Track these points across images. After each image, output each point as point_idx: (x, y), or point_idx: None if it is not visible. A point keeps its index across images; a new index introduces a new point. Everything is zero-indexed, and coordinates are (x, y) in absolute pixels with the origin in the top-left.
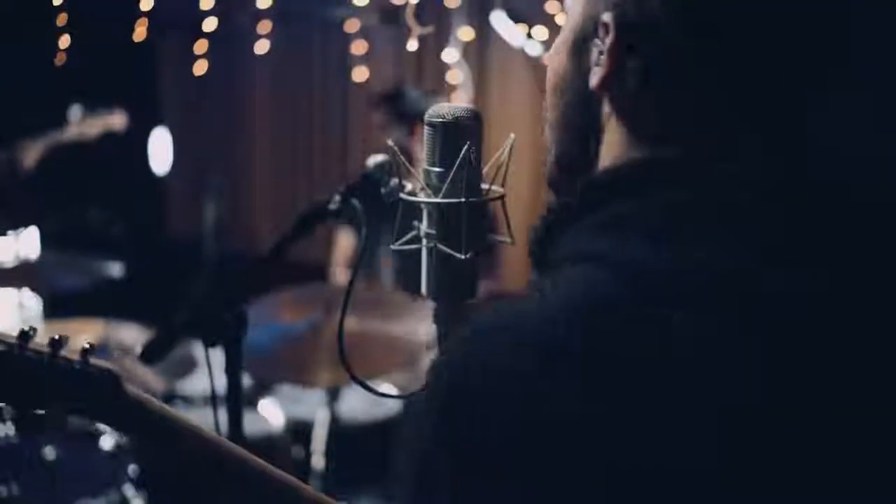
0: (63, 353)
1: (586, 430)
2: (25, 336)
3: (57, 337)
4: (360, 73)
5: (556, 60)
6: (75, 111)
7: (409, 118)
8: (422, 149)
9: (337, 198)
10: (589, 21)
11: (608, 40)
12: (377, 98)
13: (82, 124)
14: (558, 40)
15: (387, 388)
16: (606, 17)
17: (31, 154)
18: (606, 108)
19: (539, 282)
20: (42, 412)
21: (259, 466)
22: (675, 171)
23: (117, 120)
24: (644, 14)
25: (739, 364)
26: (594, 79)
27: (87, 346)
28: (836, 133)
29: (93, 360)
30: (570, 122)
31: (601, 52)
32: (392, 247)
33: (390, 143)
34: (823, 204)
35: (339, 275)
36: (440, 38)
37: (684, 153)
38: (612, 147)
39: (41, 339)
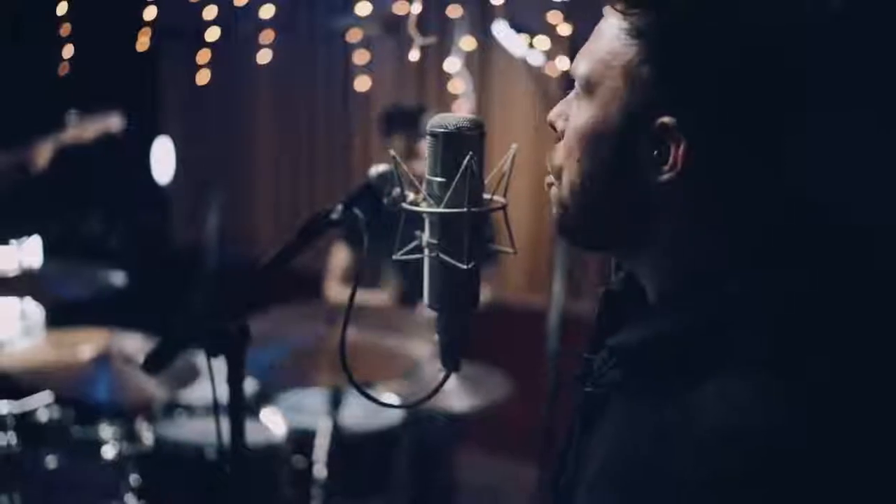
0: None
1: None
2: None
3: None
4: (362, 83)
5: (593, 138)
6: (72, 116)
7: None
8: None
9: (339, 207)
10: (639, 110)
11: (674, 143)
12: (387, 119)
13: (79, 128)
14: (591, 113)
15: (388, 397)
16: (668, 119)
17: (42, 155)
18: (659, 197)
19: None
20: None
21: None
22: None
23: (113, 123)
24: (708, 119)
25: None
26: (659, 176)
27: None
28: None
29: None
30: (608, 204)
31: (659, 150)
32: (394, 257)
33: (392, 152)
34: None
35: (334, 290)
36: (442, 48)
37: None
38: (685, 234)
39: (45, 350)
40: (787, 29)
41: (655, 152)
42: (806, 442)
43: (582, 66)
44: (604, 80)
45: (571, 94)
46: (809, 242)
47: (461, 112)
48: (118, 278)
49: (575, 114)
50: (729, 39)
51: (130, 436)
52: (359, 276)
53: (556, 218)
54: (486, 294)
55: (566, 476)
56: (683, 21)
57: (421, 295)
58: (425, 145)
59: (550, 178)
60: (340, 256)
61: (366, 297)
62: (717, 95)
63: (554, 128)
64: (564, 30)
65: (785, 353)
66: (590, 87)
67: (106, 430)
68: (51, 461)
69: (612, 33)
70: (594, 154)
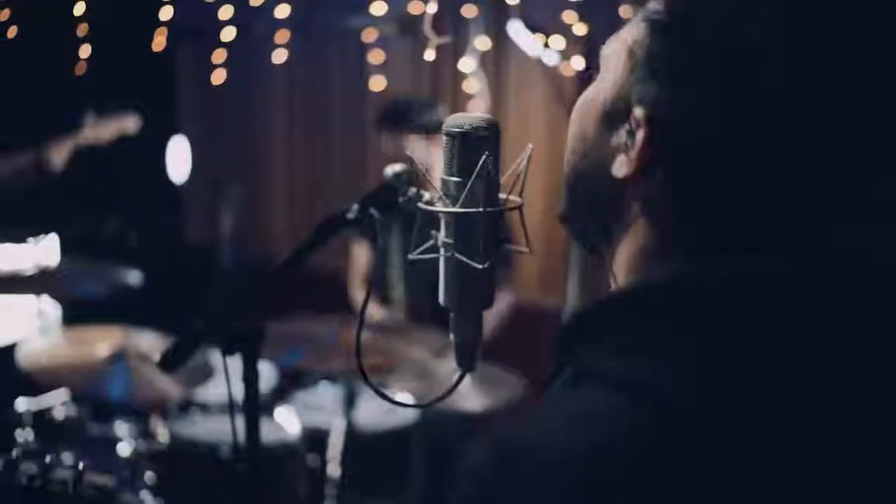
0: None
1: None
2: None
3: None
4: (377, 83)
5: (581, 123)
6: (89, 116)
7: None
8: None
9: (355, 207)
10: (623, 97)
11: (638, 138)
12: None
13: (96, 127)
14: (587, 101)
15: (402, 397)
16: (639, 112)
17: (60, 155)
18: (628, 191)
19: (556, 392)
20: None
21: None
22: (702, 293)
23: (130, 123)
24: (678, 120)
25: None
26: (621, 169)
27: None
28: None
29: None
30: (587, 189)
31: (628, 143)
32: (410, 256)
33: (409, 152)
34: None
35: (357, 290)
36: (457, 48)
37: (711, 269)
38: (633, 237)
39: (62, 348)
40: (779, 47)
41: (628, 143)
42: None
43: (609, 41)
44: (611, 57)
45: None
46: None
47: (476, 112)
48: (134, 277)
49: (583, 94)
50: (720, 47)
51: (146, 433)
52: (375, 274)
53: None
54: (507, 298)
55: None
56: (679, 16)
57: (424, 304)
58: (413, 139)
59: None
60: (361, 257)
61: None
62: (694, 100)
63: None
64: (580, 29)
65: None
66: (601, 63)
67: (121, 428)
68: (67, 458)
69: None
70: (583, 134)
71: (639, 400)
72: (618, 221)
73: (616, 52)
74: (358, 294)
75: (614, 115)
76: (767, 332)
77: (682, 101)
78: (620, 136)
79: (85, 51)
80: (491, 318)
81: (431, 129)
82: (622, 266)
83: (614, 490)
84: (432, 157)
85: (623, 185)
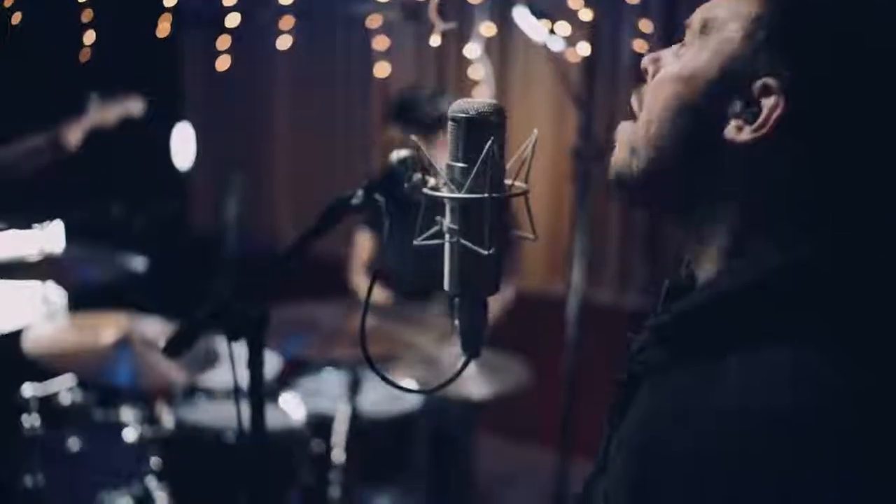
0: None
1: None
2: None
3: None
4: (381, 69)
5: (691, 81)
6: (94, 100)
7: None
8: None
9: (360, 192)
10: (747, 66)
11: (770, 105)
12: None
13: (101, 111)
14: (702, 56)
15: (407, 383)
16: (772, 82)
17: (74, 135)
18: (732, 154)
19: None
20: None
21: None
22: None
23: (134, 106)
24: (818, 96)
25: None
26: (739, 134)
27: None
28: None
29: None
30: (681, 149)
31: (749, 109)
32: (415, 242)
33: (414, 138)
34: None
35: (359, 278)
36: (462, 34)
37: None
38: (737, 214)
39: (68, 333)
40: None
41: (747, 111)
42: (831, 423)
43: (708, 8)
44: (723, 27)
45: (674, 46)
46: (882, 231)
47: (481, 98)
48: (139, 263)
49: (673, 60)
50: (854, 16)
51: (151, 419)
52: (380, 260)
53: (614, 165)
54: (509, 283)
55: (597, 464)
56: None
57: (427, 289)
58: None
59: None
60: (365, 244)
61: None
62: (829, 67)
63: (646, 72)
64: (585, 15)
65: (821, 332)
66: (706, 31)
67: (127, 413)
68: (73, 443)
69: None
70: (685, 99)
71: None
72: (712, 187)
73: (724, 21)
74: (361, 280)
75: (733, 82)
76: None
77: (817, 73)
78: (735, 102)
79: (89, 37)
80: (495, 305)
81: (435, 123)
82: (724, 238)
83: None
84: (438, 146)
85: (730, 149)
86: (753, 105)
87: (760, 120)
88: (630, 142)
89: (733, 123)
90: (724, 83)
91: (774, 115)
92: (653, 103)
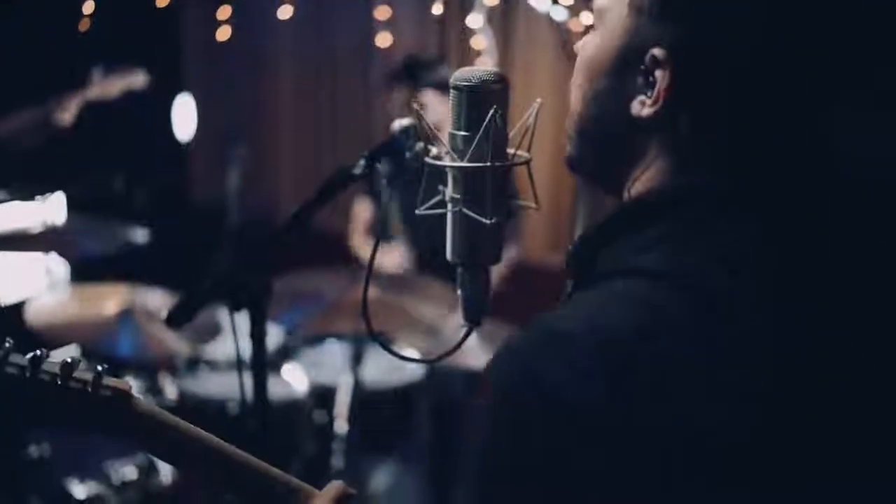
0: (76, 374)
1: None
2: (37, 360)
3: (69, 359)
4: (383, 39)
5: (589, 73)
6: (97, 71)
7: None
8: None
9: (361, 162)
10: (636, 41)
11: (661, 78)
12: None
13: (103, 83)
14: (591, 53)
15: (409, 353)
16: (658, 52)
17: (69, 109)
18: (643, 128)
19: (584, 293)
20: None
21: (256, 465)
22: (716, 198)
23: (137, 79)
24: (702, 60)
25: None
26: (642, 109)
27: (100, 368)
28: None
29: (105, 381)
30: (601, 133)
31: (648, 83)
32: (417, 211)
33: (416, 106)
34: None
35: (359, 245)
36: (465, 4)
37: (724, 181)
38: (652, 166)
39: (70, 305)
40: None
41: (647, 86)
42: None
43: None
44: (613, 8)
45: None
46: (775, 192)
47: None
48: (140, 234)
49: (585, 45)
50: None
51: (154, 390)
52: (381, 231)
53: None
54: (512, 252)
55: None
56: None
57: (432, 254)
58: (425, 97)
59: None
60: (363, 210)
61: (380, 257)
62: (713, 33)
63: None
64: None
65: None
66: (600, 16)
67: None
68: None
69: None
70: (593, 82)
71: (664, 284)
72: (634, 159)
73: (613, 4)
74: (360, 249)
75: (627, 59)
76: (777, 235)
77: (702, 37)
78: (635, 78)
79: (88, 6)
80: (495, 274)
81: (444, 86)
82: (638, 185)
83: (650, 357)
84: (444, 114)
85: (640, 124)
86: (649, 77)
87: (654, 92)
88: (567, 128)
89: (637, 100)
90: (620, 61)
91: (664, 87)
92: (574, 92)
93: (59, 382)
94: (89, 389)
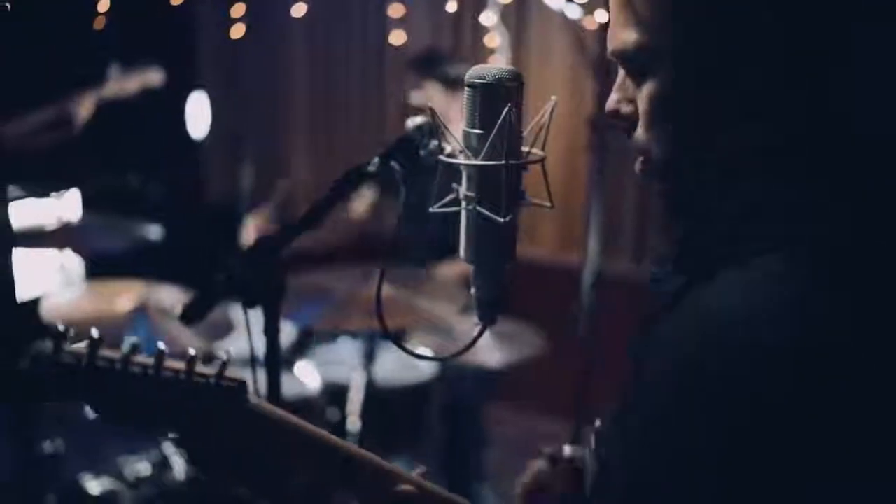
0: (198, 369)
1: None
2: (160, 357)
3: (192, 353)
4: (397, 37)
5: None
6: (114, 69)
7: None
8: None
9: (376, 160)
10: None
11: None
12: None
13: (120, 81)
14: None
15: (422, 351)
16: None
17: (85, 107)
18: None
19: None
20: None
21: (367, 458)
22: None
23: (153, 77)
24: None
25: None
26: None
27: (226, 357)
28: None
29: (227, 373)
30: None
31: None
32: (431, 209)
33: (430, 104)
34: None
35: (370, 246)
36: (479, 2)
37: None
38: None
39: (84, 301)
40: None
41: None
42: (794, 342)
43: (610, 48)
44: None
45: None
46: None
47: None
48: (154, 231)
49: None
50: None
51: None
52: (399, 228)
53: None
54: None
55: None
56: None
57: (439, 254)
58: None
59: None
60: (365, 195)
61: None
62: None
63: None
64: None
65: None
66: (622, 61)
67: None
68: (91, 409)
69: None
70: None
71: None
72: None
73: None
74: (372, 249)
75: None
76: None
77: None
78: None
79: (103, 5)
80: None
81: (454, 83)
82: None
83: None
84: (452, 111)
85: None
86: None
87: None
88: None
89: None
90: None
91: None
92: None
93: (184, 378)
94: (213, 383)
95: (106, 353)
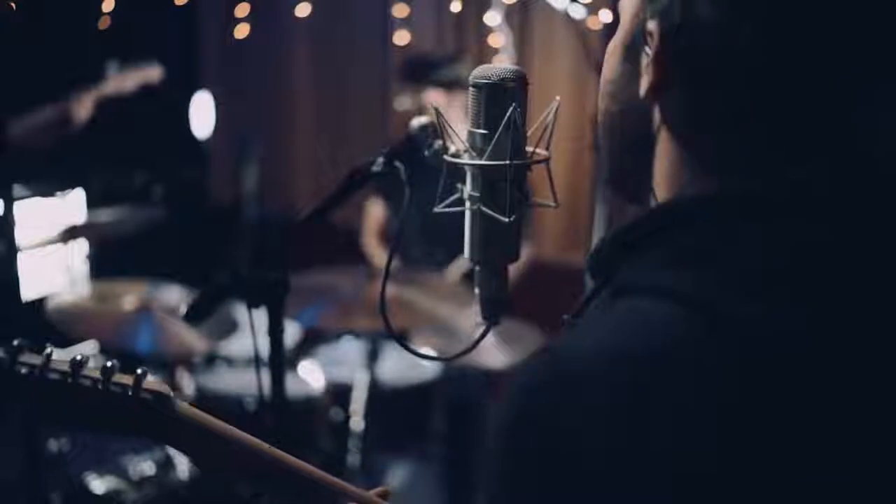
0: (115, 379)
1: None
2: (78, 365)
3: (108, 364)
4: (401, 37)
5: (607, 66)
6: (113, 67)
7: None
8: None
9: (380, 160)
10: (638, 27)
11: (654, 49)
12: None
13: (120, 78)
14: (611, 45)
15: (426, 351)
16: (651, 25)
17: (85, 106)
18: (657, 117)
19: (601, 305)
20: None
21: (300, 467)
22: (744, 205)
23: (153, 73)
24: (688, 21)
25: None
26: (642, 88)
27: (140, 371)
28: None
29: (145, 384)
30: (622, 131)
31: (648, 62)
32: (435, 209)
33: (434, 104)
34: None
35: (372, 246)
36: (482, 1)
37: (749, 182)
38: (668, 164)
39: (89, 301)
40: None
41: (645, 64)
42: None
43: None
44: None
45: None
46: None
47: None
48: (159, 231)
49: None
50: None
51: (171, 386)
52: (402, 227)
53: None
54: (525, 251)
55: None
56: None
57: (443, 257)
58: (432, 94)
59: None
60: (376, 212)
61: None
62: (705, 6)
63: None
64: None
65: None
66: (622, 10)
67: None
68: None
69: None
70: (612, 88)
71: (689, 309)
72: (656, 160)
73: None
74: (374, 249)
75: (634, 44)
76: (808, 240)
77: (691, 7)
78: (643, 61)
79: (108, 4)
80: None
81: (451, 84)
82: (660, 190)
83: (666, 393)
84: (450, 112)
85: (657, 119)
86: (647, 56)
87: (648, 67)
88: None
89: (643, 80)
90: (631, 46)
91: (652, 57)
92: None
93: (101, 387)
94: (130, 394)
95: (27, 358)
